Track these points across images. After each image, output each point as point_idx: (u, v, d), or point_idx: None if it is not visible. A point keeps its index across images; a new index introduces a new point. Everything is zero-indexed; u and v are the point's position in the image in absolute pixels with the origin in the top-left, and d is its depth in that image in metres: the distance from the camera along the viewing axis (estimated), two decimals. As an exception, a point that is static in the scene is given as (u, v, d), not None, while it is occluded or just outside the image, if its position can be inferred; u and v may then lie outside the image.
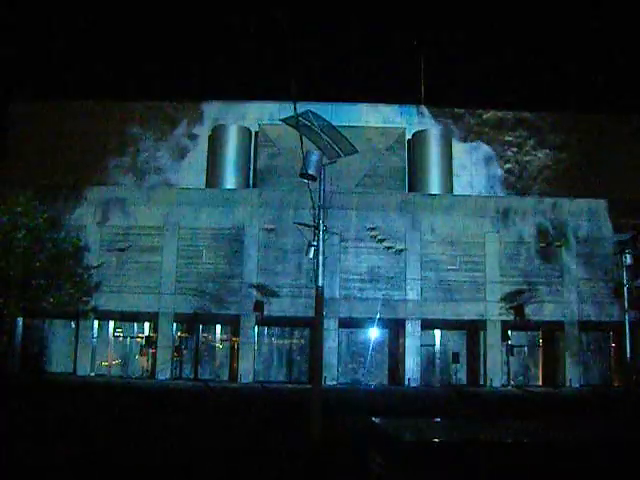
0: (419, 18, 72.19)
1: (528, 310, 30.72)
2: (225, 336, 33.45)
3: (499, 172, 37.76)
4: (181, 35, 74.24)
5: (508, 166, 37.88)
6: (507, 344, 31.56)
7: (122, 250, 30.71)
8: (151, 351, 32.00)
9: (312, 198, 14.06)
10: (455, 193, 35.33)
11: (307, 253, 14.78)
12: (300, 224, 15.78)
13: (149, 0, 75.89)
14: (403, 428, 14.84)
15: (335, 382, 29.97)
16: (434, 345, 33.04)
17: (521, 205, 32.45)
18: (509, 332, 31.85)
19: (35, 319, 31.75)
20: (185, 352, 32.78)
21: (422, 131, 36.53)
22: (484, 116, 38.65)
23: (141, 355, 32.78)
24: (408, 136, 36.58)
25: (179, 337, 32.72)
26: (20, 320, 31.12)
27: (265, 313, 30.25)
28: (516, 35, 72.10)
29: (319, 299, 13.92)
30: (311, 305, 17.33)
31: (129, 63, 69.00)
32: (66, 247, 28.42)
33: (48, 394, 22.57)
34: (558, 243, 31.63)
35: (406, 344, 30.76)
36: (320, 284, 13.90)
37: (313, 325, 17.96)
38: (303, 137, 13.44)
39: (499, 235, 31.61)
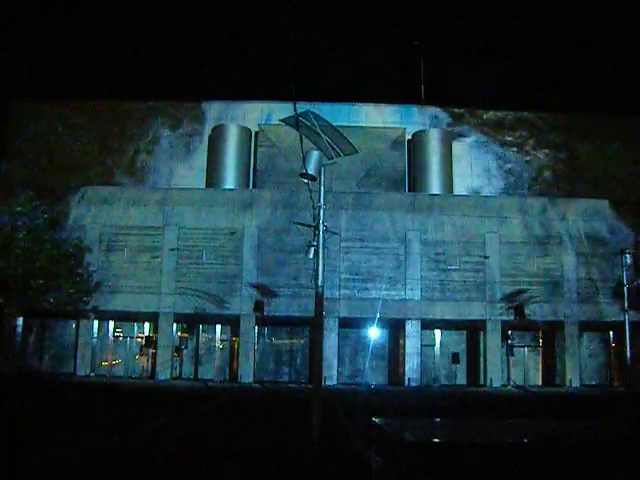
0: (419, 18, 72.24)
1: (528, 310, 30.70)
2: (225, 336, 33.44)
3: (499, 172, 37.75)
4: (181, 35, 74.26)
5: (508, 166, 37.87)
6: (507, 344, 31.56)
7: (174, 250, 30.72)
8: (151, 351, 31.99)
9: (312, 198, 14.05)
10: (455, 193, 35.35)
11: (307, 253, 14.76)
12: (300, 224, 15.76)
13: (149, 0, 75.91)
14: (403, 428, 14.83)
15: (335, 382, 29.96)
16: (434, 345, 33.03)
17: (521, 205, 32.45)
18: (509, 332, 31.86)
19: (35, 319, 31.76)
20: (185, 352, 32.79)
21: (422, 131, 36.54)
22: (484, 116, 38.66)
23: (141, 355, 32.78)
24: (408, 136, 36.58)
25: (179, 337, 32.72)
26: (20, 320, 31.12)
27: (265, 313, 30.25)
28: (516, 35, 72.14)
29: (319, 299, 13.90)
30: (311, 305, 17.32)
31: (129, 63, 68.98)
32: (66, 247, 28.43)
33: (46, 394, 22.56)
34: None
35: (406, 344, 30.75)
36: (320, 284, 13.88)
37: (313, 325, 17.95)
38: (303, 137, 13.42)
39: (499, 235, 31.60)
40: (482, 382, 31.15)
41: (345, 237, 30.20)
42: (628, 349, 27.91)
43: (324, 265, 14.21)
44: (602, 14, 66.92)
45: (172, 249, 30.69)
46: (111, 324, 32.90)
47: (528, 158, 38.04)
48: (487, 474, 10.03)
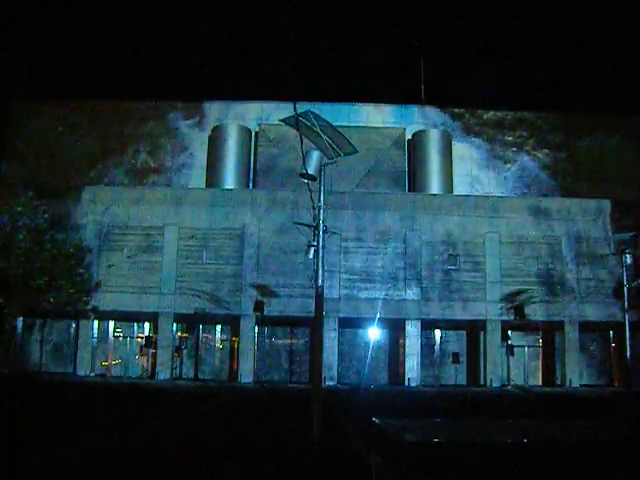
0: (419, 18, 72.23)
1: (528, 310, 30.69)
2: (225, 336, 33.44)
3: (499, 172, 37.73)
4: (181, 35, 74.24)
5: (508, 166, 37.87)
6: (507, 344, 31.55)
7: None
8: (151, 351, 31.98)
9: (312, 198, 14.05)
10: (455, 193, 35.33)
11: (307, 253, 14.75)
12: (300, 224, 15.75)
13: (150, 0, 75.86)
14: (403, 428, 14.83)
15: (335, 382, 29.95)
16: (434, 345, 33.03)
17: (521, 205, 32.44)
18: (509, 332, 31.84)
19: (35, 319, 31.75)
20: (185, 352, 32.78)
21: (422, 131, 36.53)
22: (484, 116, 38.64)
23: (141, 355, 32.77)
24: (408, 136, 36.57)
25: (179, 337, 32.71)
26: (20, 320, 31.11)
27: (265, 313, 30.24)
28: (516, 35, 72.12)
29: (319, 299, 13.90)
30: (311, 305, 17.31)
31: (129, 63, 68.97)
32: (66, 247, 28.42)
33: (46, 394, 22.55)
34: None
35: (406, 344, 30.74)
36: (320, 284, 13.88)
37: (313, 325, 17.94)
38: (303, 137, 13.41)
39: (499, 235, 31.58)
40: (482, 382, 31.14)
41: (345, 237, 30.18)
42: (628, 349, 27.88)
43: (324, 265, 14.21)
44: (602, 14, 66.89)
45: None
46: (111, 324, 32.88)
47: (528, 158, 38.03)
48: (487, 474, 10.03)
